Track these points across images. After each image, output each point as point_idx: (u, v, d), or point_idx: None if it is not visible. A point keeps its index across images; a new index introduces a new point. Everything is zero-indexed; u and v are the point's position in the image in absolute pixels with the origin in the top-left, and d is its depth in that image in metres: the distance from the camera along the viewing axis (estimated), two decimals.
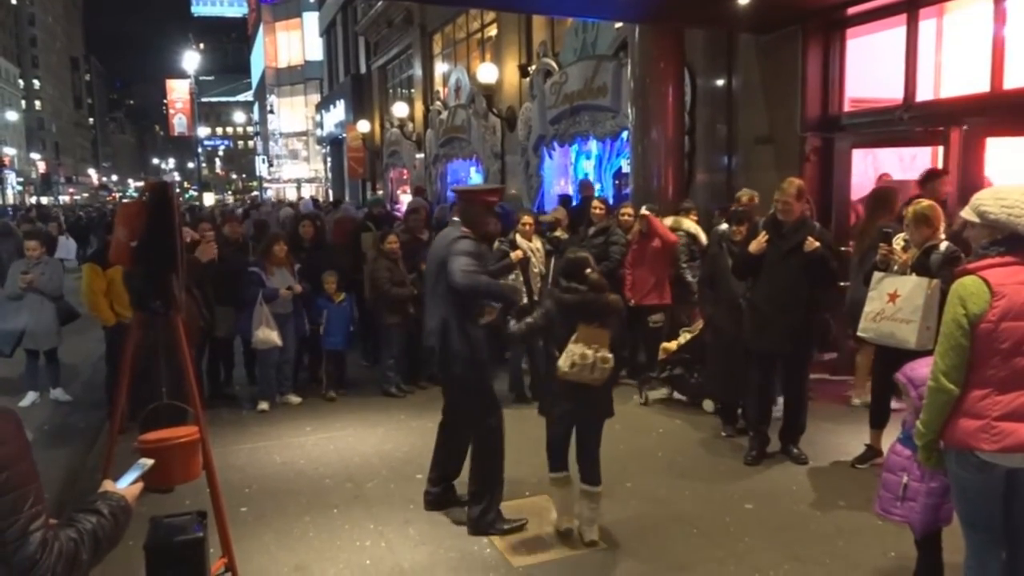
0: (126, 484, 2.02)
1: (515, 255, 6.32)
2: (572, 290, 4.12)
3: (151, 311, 3.53)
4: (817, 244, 5.02)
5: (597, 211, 7.56)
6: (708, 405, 6.52)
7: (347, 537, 4.36)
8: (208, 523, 3.17)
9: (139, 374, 5.79)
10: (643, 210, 7.24)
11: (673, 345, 6.75)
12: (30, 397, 7.39)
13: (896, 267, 4.77)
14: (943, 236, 4.70)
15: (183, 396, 3.52)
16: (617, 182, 11.94)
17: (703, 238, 7.39)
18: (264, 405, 6.85)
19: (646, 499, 4.81)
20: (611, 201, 9.74)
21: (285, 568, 4.03)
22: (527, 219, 7.19)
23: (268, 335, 6.66)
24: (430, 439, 4.73)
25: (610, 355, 3.97)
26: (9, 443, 1.66)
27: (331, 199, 24.99)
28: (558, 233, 7.43)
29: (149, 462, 2.15)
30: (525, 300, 6.45)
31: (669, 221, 7.37)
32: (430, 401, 5.35)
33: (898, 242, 4.86)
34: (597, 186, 12.32)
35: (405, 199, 20.55)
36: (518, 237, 6.96)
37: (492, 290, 4.34)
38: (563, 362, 3.97)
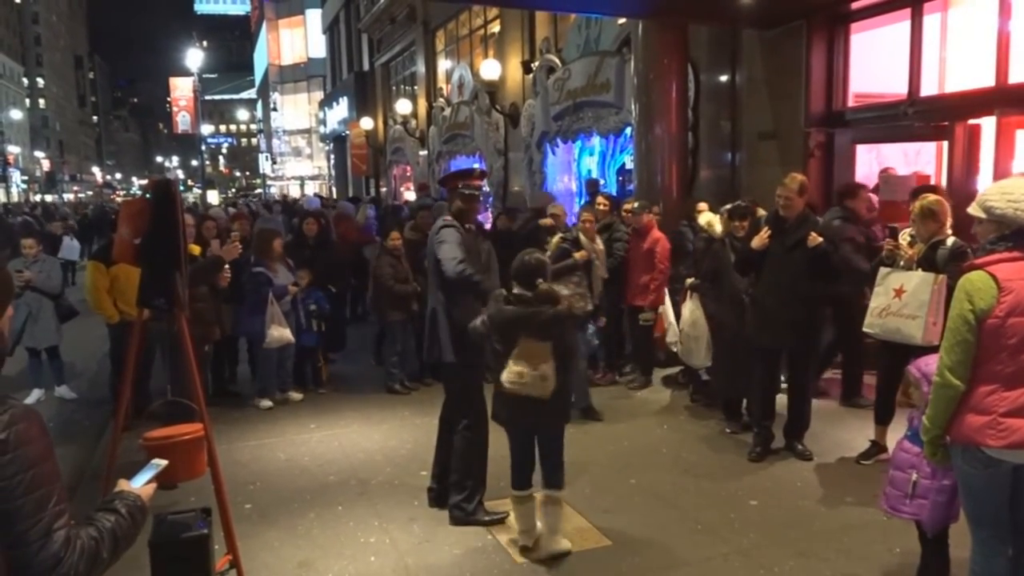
0: (140, 484, 2.03)
1: (579, 255, 6.07)
2: (516, 299, 3.88)
3: (155, 308, 3.53)
4: (820, 240, 5.00)
5: (601, 207, 7.51)
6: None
7: (351, 534, 4.37)
8: (213, 520, 3.17)
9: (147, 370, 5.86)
10: (635, 206, 7.09)
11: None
12: (35, 394, 7.41)
13: (902, 262, 4.75)
14: (950, 231, 4.68)
15: (188, 393, 3.52)
16: (621, 178, 11.92)
17: None
18: (267, 402, 6.86)
19: (650, 495, 4.81)
20: (615, 197, 9.70)
21: (289, 565, 4.03)
22: (587, 216, 6.63)
23: (282, 333, 6.71)
24: (434, 436, 4.73)
25: (550, 371, 3.75)
26: (34, 442, 1.68)
27: (346, 196, 25.09)
28: (556, 237, 7.32)
29: (163, 462, 2.15)
30: (590, 307, 6.06)
31: (703, 220, 6.91)
32: (434, 398, 5.34)
33: (904, 237, 4.84)
34: (601, 182, 12.30)
35: (409, 196, 20.63)
36: (581, 236, 6.44)
37: (475, 288, 4.28)
38: (504, 378, 3.84)
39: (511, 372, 3.81)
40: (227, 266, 5.37)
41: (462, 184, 4.53)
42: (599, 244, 6.57)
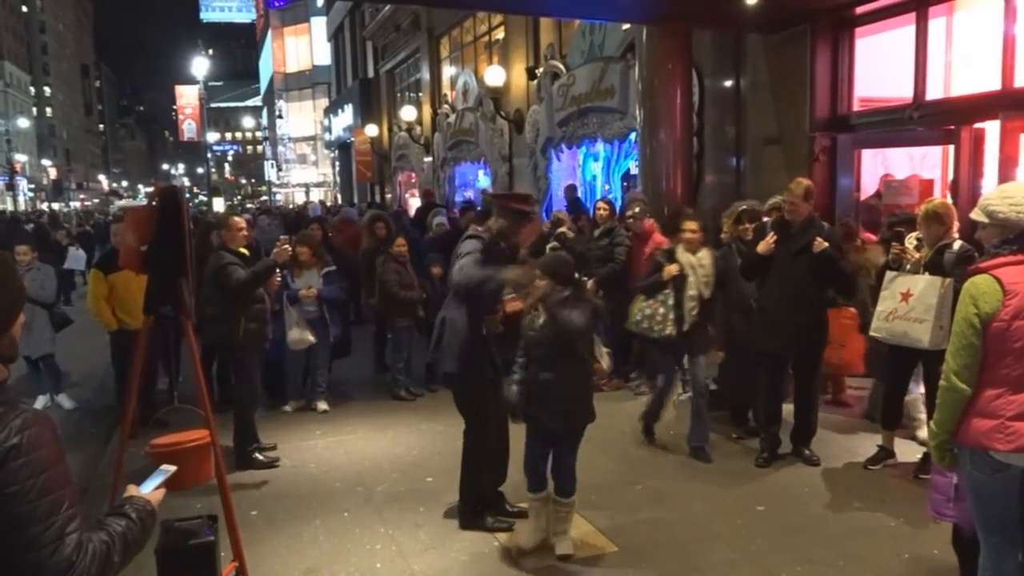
0: (149, 489, 2.04)
1: (668, 270, 5.34)
2: None
3: (161, 315, 3.55)
4: (826, 245, 4.99)
5: (601, 212, 7.50)
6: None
7: (357, 540, 4.36)
8: (219, 527, 3.18)
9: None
10: (636, 211, 7.06)
11: None
12: (40, 401, 7.42)
13: (909, 266, 4.74)
14: (956, 235, 4.68)
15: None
16: (625, 184, 11.93)
17: None
18: (290, 407, 6.92)
19: (657, 501, 4.80)
20: (620, 203, 9.71)
21: (295, 571, 4.03)
22: (691, 225, 5.51)
23: (302, 335, 6.67)
24: (439, 442, 4.74)
25: None
26: (48, 446, 1.69)
27: (350, 203, 25.12)
28: (563, 229, 7.34)
29: (172, 468, 2.17)
30: (668, 330, 5.37)
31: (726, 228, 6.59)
32: (439, 404, 5.35)
33: (911, 241, 4.83)
34: (606, 187, 12.32)
35: (414, 203, 20.68)
36: (679, 249, 5.48)
37: (485, 281, 4.06)
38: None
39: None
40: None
41: (514, 204, 4.40)
42: (702, 258, 5.45)
